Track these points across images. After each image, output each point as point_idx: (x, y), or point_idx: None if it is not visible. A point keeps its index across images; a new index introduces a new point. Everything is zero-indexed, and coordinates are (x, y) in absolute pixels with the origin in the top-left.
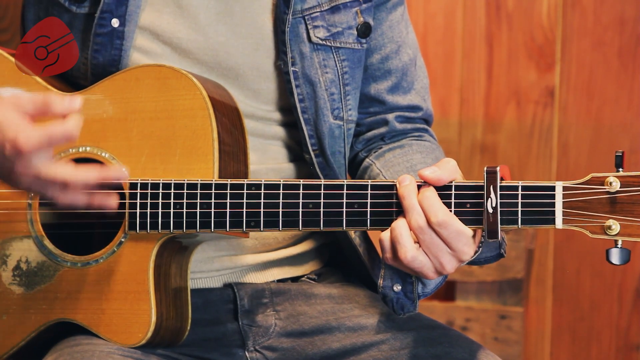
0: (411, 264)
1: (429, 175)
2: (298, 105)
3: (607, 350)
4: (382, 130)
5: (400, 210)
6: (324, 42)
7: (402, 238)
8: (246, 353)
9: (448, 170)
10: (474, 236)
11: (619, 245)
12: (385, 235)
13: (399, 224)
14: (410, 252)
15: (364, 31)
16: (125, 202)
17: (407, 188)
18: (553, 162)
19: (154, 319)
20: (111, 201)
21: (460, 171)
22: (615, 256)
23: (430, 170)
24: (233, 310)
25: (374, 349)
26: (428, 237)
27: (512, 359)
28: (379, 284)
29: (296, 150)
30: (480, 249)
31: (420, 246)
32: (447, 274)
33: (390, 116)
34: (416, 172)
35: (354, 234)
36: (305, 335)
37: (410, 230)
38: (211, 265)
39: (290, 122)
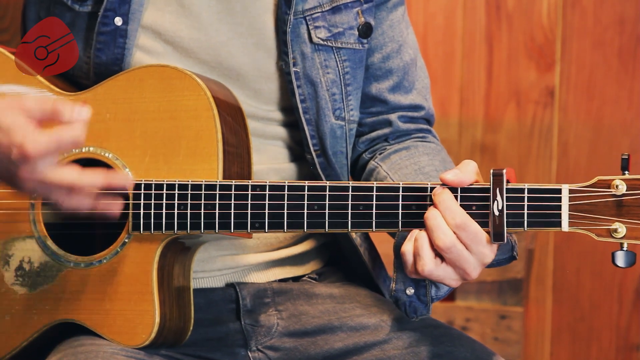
0: (429, 277)
1: (452, 178)
2: (299, 105)
3: (607, 350)
4: (386, 130)
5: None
6: (325, 43)
7: (422, 251)
8: (249, 353)
9: (469, 173)
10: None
11: (625, 248)
12: (408, 248)
13: (422, 235)
14: (427, 266)
15: (365, 31)
16: (129, 203)
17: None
18: (553, 162)
19: (157, 319)
20: (115, 206)
21: (479, 173)
22: (620, 259)
23: (453, 174)
24: (235, 310)
25: (377, 349)
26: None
27: (512, 359)
28: (391, 288)
29: (297, 150)
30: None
31: (442, 261)
32: (471, 280)
33: (393, 116)
34: (425, 175)
35: (354, 234)
36: (308, 335)
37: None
38: (213, 265)
39: (291, 122)
